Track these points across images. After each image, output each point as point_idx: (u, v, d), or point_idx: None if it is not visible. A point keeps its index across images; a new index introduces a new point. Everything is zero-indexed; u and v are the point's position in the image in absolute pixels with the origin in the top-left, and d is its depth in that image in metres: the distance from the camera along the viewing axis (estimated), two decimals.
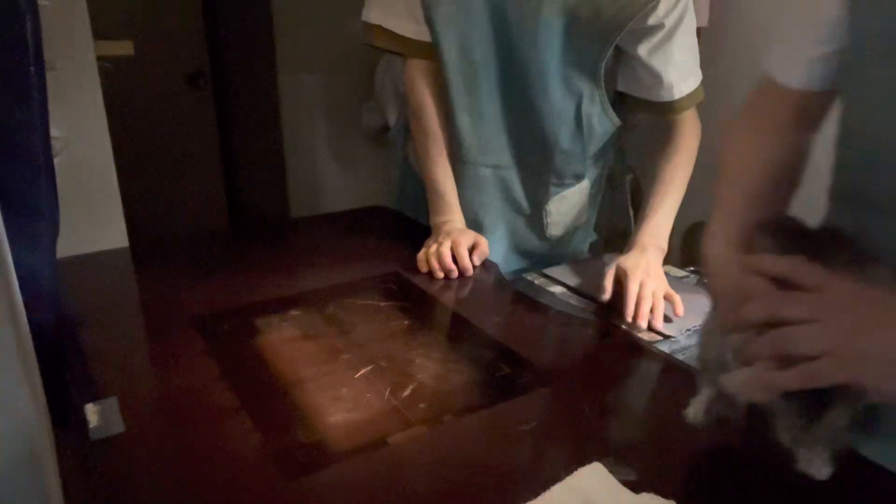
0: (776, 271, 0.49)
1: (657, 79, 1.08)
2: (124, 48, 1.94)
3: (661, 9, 1.02)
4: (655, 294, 0.97)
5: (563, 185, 1.19)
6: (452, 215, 1.13)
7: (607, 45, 1.04)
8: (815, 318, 0.47)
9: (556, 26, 1.02)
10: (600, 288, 1.00)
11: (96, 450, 0.63)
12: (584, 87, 1.09)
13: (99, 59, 1.22)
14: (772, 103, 0.71)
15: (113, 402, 0.69)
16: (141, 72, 2.33)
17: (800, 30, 0.66)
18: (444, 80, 1.10)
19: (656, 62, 1.07)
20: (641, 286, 0.97)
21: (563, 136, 1.12)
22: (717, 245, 0.67)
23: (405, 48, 1.12)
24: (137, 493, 0.59)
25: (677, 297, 0.99)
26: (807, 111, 0.67)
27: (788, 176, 0.70)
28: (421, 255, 1.07)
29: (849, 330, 0.45)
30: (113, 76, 1.46)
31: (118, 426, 0.66)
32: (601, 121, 1.13)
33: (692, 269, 1.24)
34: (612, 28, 1.01)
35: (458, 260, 1.03)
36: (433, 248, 1.05)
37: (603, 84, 1.09)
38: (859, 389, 0.46)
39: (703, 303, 1.00)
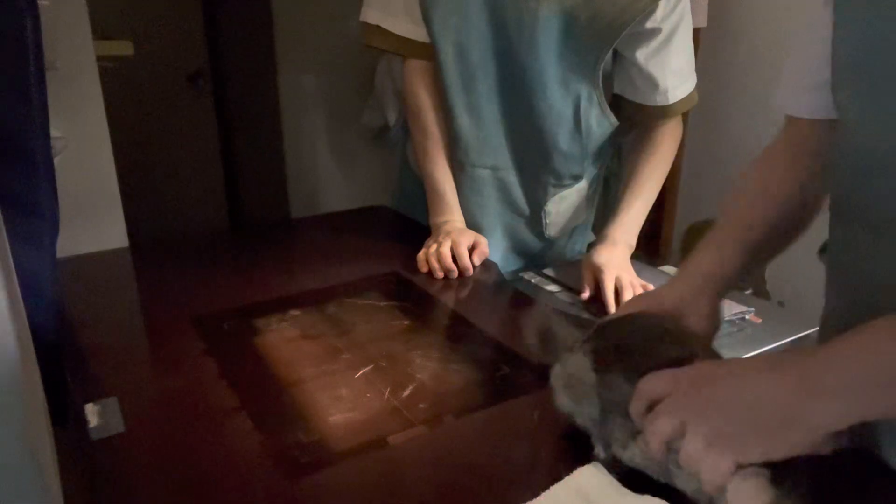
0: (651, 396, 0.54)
1: (653, 84, 1.09)
2: (124, 48, 1.94)
3: (659, 13, 1.02)
4: (633, 285, 0.99)
5: (561, 186, 1.19)
6: (452, 215, 1.13)
7: (606, 48, 1.03)
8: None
9: (555, 27, 1.02)
10: (580, 286, 1.03)
11: (96, 450, 0.63)
12: (582, 88, 1.08)
13: (99, 59, 1.22)
14: (786, 139, 0.72)
15: (113, 402, 0.69)
16: (141, 72, 2.33)
17: (800, 59, 0.67)
18: (442, 80, 1.10)
19: (653, 68, 1.07)
20: (618, 278, 0.99)
21: (562, 136, 1.12)
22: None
23: (403, 48, 1.12)
24: (137, 493, 0.59)
25: (652, 288, 1.01)
26: (813, 142, 0.67)
27: (785, 232, 0.71)
28: (421, 255, 1.07)
29: (695, 394, 0.51)
30: (113, 76, 1.46)
31: (118, 426, 0.66)
32: (599, 122, 1.13)
33: None
34: (610, 31, 1.01)
35: (457, 260, 1.03)
36: (433, 248, 1.05)
37: (601, 85, 1.09)
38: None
39: None
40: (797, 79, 0.67)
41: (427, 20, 1.06)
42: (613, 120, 1.13)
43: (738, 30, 1.89)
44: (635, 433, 0.55)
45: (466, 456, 0.64)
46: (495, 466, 0.62)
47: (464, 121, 1.13)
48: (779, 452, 0.47)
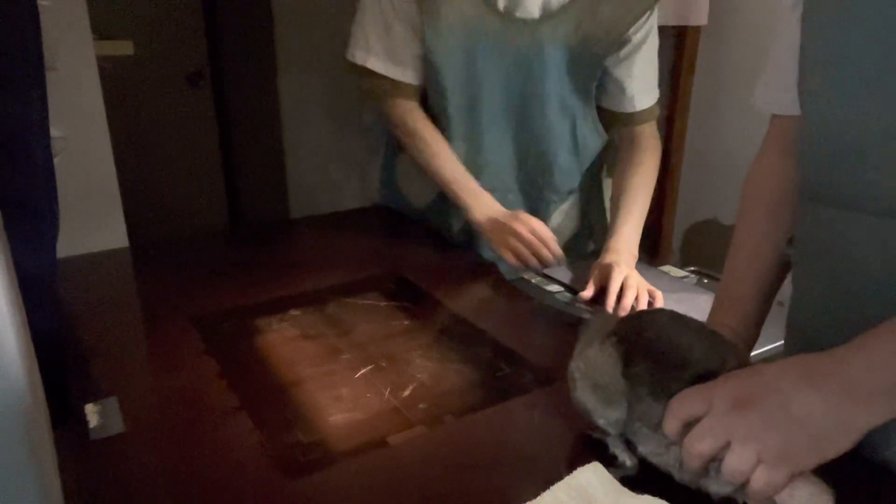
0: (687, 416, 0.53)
1: (620, 89, 1.15)
2: (124, 48, 1.94)
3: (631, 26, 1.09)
4: (640, 286, 0.99)
5: (560, 202, 1.24)
6: (487, 198, 1.12)
7: (598, 67, 1.12)
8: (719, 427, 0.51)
9: (551, 54, 1.08)
10: (581, 286, 1.02)
11: (96, 450, 0.63)
12: (577, 106, 1.14)
13: (99, 59, 1.22)
14: (776, 139, 0.76)
15: (113, 402, 0.69)
16: (141, 72, 2.33)
17: (779, 61, 0.70)
18: (441, 111, 1.14)
19: (620, 73, 1.14)
20: (626, 277, 0.99)
21: (561, 154, 1.17)
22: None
23: (390, 88, 1.14)
24: (137, 493, 0.59)
25: (659, 293, 1.01)
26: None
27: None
28: (509, 245, 1.03)
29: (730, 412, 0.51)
30: (113, 76, 1.46)
31: (118, 426, 0.66)
32: (592, 136, 1.19)
33: (692, 269, 1.24)
34: (600, 50, 1.09)
35: (547, 246, 1.02)
36: (522, 236, 1.02)
37: (594, 102, 1.15)
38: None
39: (701, 302, 1.00)
40: (780, 79, 0.70)
41: (431, 55, 1.09)
42: (604, 134, 1.20)
43: (738, 29, 1.89)
44: (668, 445, 0.55)
45: (466, 456, 0.64)
46: (495, 466, 0.62)
47: (461, 148, 1.16)
48: (828, 458, 0.48)
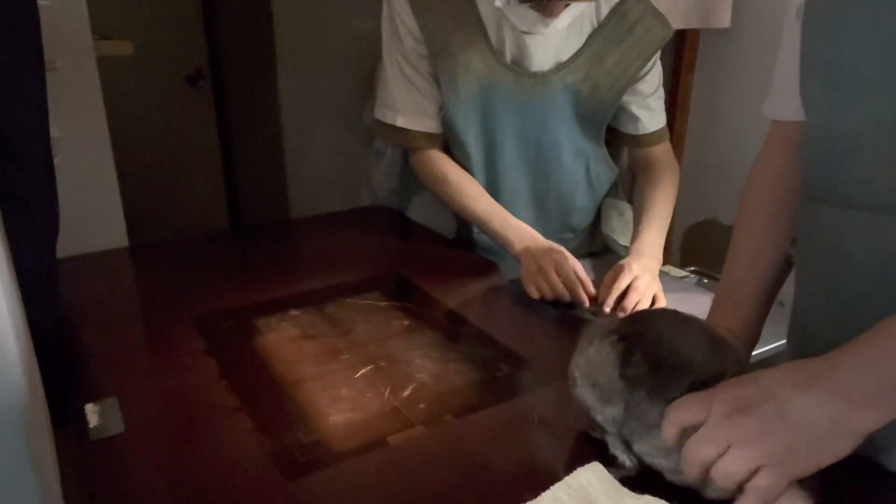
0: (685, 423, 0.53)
1: (630, 115, 1.18)
2: (124, 48, 1.94)
3: None
4: (647, 290, 0.98)
5: (576, 238, 1.28)
6: (526, 229, 1.11)
7: (609, 111, 1.15)
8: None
9: (562, 102, 1.12)
10: (603, 288, 1.00)
11: (96, 450, 0.63)
12: (590, 148, 1.18)
13: (99, 59, 1.22)
14: (777, 143, 0.76)
15: (113, 402, 0.69)
16: (141, 72, 2.33)
17: (785, 68, 0.71)
18: (460, 158, 1.16)
19: (628, 101, 1.17)
20: (635, 279, 0.98)
21: (578, 195, 1.21)
22: None
23: (418, 140, 1.16)
24: (137, 493, 0.59)
25: (662, 300, 1.00)
26: (798, 142, 0.70)
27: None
28: (537, 281, 1.00)
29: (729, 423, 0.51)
30: (113, 76, 1.46)
31: (118, 426, 0.66)
32: (605, 173, 1.22)
33: (692, 269, 1.24)
34: (610, 96, 1.13)
35: (582, 283, 0.99)
36: (539, 275, 1.00)
37: (603, 142, 1.18)
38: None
39: (701, 303, 1.00)
40: (785, 86, 0.71)
41: (449, 109, 1.11)
42: (615, 168, 1.23)
43: (736, 31, 1.89)
44: (663, 448, 0.55)
45: (466, 456, 0.64)
46: (495, 466, 0.63)
47: None
48: (826, 463, 0.48)
